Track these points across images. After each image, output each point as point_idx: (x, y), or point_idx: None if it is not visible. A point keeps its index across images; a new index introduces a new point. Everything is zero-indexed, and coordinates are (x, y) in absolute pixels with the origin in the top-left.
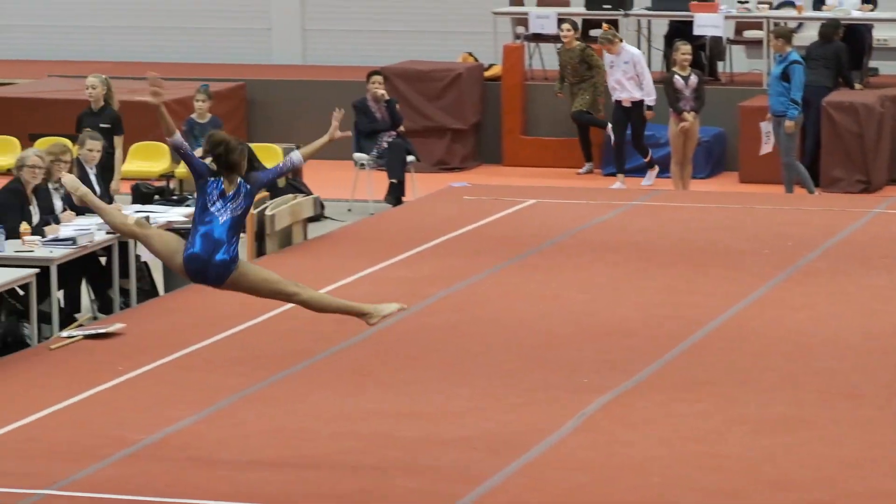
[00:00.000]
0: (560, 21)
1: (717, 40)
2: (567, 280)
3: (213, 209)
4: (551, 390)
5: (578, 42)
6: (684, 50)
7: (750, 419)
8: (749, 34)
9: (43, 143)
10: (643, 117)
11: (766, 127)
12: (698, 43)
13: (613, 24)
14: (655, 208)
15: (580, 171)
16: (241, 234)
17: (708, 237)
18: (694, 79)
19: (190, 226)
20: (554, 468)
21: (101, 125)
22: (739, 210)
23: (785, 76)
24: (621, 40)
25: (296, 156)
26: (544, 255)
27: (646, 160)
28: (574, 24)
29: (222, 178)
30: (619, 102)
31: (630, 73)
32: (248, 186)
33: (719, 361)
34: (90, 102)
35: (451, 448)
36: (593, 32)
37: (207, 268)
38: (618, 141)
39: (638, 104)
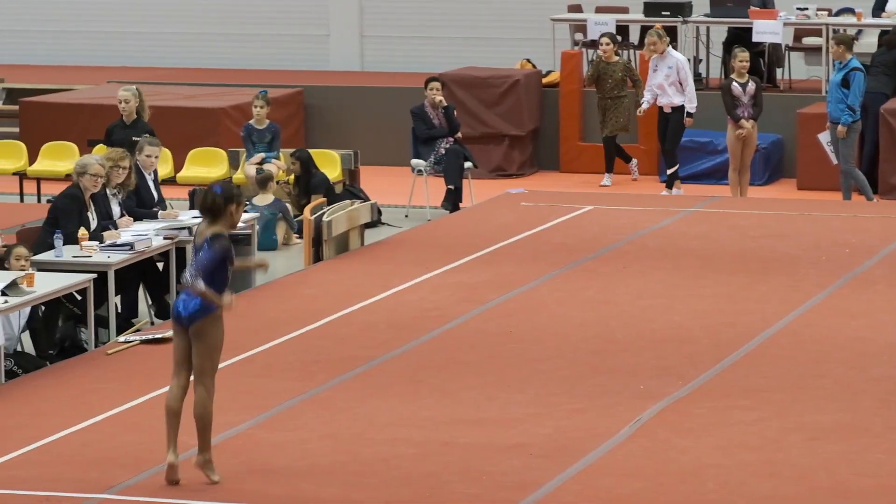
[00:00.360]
0: (600, 35)
1: (776, 47)
2: (624, 286)
3: None
4: (607, 396)
5: (619, 56)
6: (742, 57)
7: (806, 427)
8: (808, 41)
9: (101, 149)
10: (681, 123)
11: (824, 138)
12: (757, 49)
13: (672, 30)
14: (713, 215)
15: (603, 182)
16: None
17: (765, 244)
18: (752, 86)
19: (247, 232)
20: (609, 474)
21: (134, 138)
22: (797, 217)
23: (845, 83)
24: (668, 43)
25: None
26: (601, 262)
27: (669, 171)
28: (613, 38)
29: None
30: (659, 108)
31: (672, 78)
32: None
33: (776, 369)
34: (122, 115)
35: (507, 454)
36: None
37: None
38: (663, 147)
39: (677, 110)
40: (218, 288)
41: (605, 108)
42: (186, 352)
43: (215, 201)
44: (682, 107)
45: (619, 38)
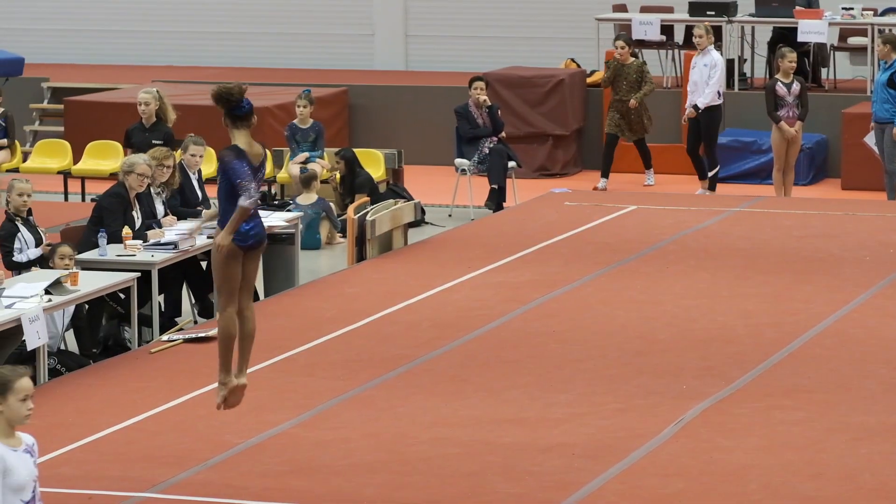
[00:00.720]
0: (615, 37)
1: (821, 47)
2: (668, 286)
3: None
4: (650, 396)
5: (635, 58)
6: (791, 58)
7: (850, 427)
8: (853, 41)
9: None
10: (715, 121)
11: (870, 140)
12: (802, 49)
13: (717, 30)
14: (757, 215)
15: (598, 185)
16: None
17: (809, 244)
18: (796, 86)
19: (291, 231)
20: (652, 474)
21: (154, 141)
22: (841, 217)
23: (891, 83)
24: (713, 42)
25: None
26: (645, 262)
27: (710, 173)
28: (628, 40)
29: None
30: (693, 106)
31: (704, 77)
32: None
33: (819, 369)
34: (141, 118)
35: (550, 454)
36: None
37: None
38: (691, 147)
39: (708, 110)
40: (232, 200)
41: (619, 109)
42: (248, 274)
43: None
44: (715, 106)
45: (631, 39)
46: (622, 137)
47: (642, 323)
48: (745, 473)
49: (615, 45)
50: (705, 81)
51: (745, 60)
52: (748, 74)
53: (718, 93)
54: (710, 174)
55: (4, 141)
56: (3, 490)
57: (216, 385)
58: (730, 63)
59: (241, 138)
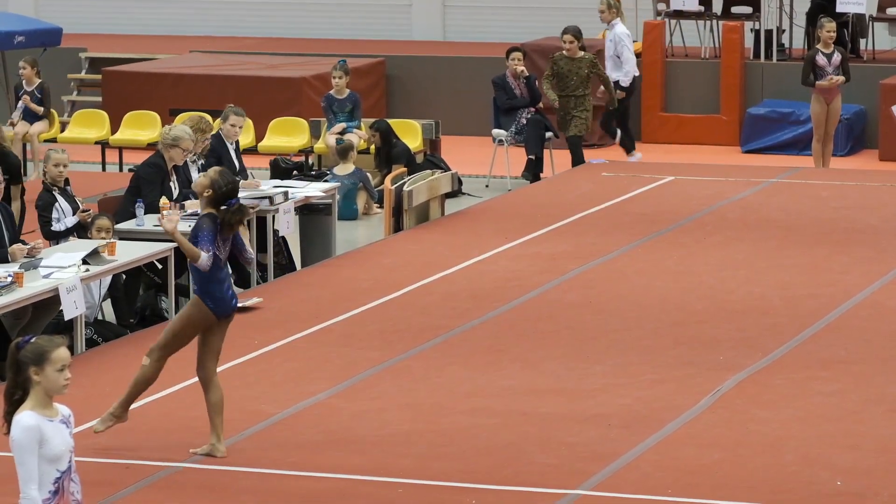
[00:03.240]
0: (563, 31)
1: (859, 17)
2: (704, 257)
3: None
4: (687, 367)
5: (584, 52)
6: (830, 27)
7: (886, 398)
8: (892, 11)
9: (183, 118)
10: (630, 92)
11: None
12: (841, 20)
13: (756, 1)
14: (795, 186)
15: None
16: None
17: (847, 215)
18: (837, 56)
19: (328, 202)
20: (688, 445)
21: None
22: (879, 188)
23: None
24: (617, 13)
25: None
26: (682, 233)
27: (615, 141)
28: (577, 33)
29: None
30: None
31: (611, 52)
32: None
33: (857, 340)
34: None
35: (586, 425)
36: (735, 10)
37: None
38: (605, 120)
39: (628, 85)
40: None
41: (567, 106)
42: (217, 343)
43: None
44: (632, 80)
45: (581, 31)
46: (563, 133)
47: (679, 294)
48: (782, 445)
49: (562, 38)
50: (610, 57)
51: (784, 31)
52: (786, 45)
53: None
54: (618, 140)
55: (41, 108)
56: (39, 460)
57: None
58: (768, 34)
59: (211, 210)
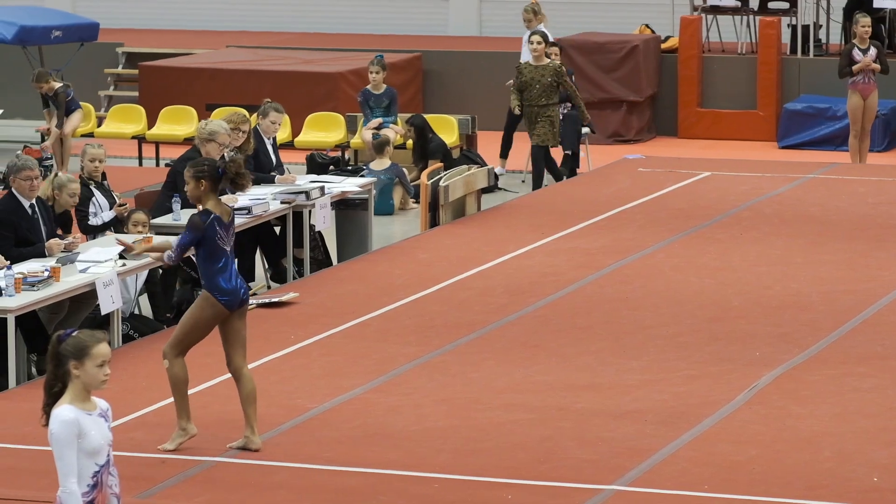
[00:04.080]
0: (531, 33)
1: None
2: (741, 253)
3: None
4: (723, 363)
5: (550, 59)
6: (864, 23)
7: None
8: None
9: (220, 114)
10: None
11: None
12: (878, 15)
13: None
14: (831, 181)
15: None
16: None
17: (884, 211)
18: (873, 51)
19: (364, 196)
20: (724, 441)
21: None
22: None
23: None
24: (542, 21)
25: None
26: (718, 228)
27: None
28: (545, 36)
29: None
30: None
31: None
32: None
33: (894, 335)
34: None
35: (623, 420)
36: (772, 5)
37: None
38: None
39: None
40: (215, 262)
41: (530, 116)
42: (235, 333)
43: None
44: None
45: (549, 36)
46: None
47: (716, 289)
48: (819, 441)
49: (530, 39)
50: None
51: (821, 27)
52: (823, 40)
53: None
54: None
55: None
56: (78, 453)
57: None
58: (805, 29)
59: (211, 201)
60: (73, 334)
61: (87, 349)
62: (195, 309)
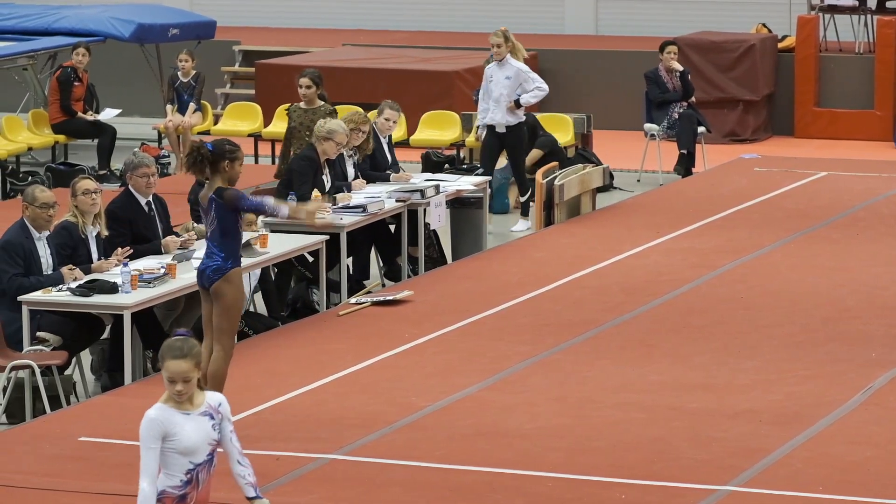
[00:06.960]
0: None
1: None
2: (857, 253)
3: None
4: (838, 364)
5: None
6: None
7: None
8: None
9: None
10: (520, 141)
11: None
12: None
13: None
14: None
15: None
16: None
17: None
18: None
19: (479, 195)
20: (839, 442)
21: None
22: None
23: None
24: (511, 48)
25: (280, 209)
26: (834, 228)
27: (523, 199)
28: (315, 78)
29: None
30: (490, 127)
31: (506, 91)
32: (221, 201)
33: None
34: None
35: (736, 420)
36: (890, 4)
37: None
38: (487, 172)
39: (513, 129)
40: (234, 238)
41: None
42: (210, 314)
43: (201, 153)
44: (517, 125)
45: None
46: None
47: (831, 289)
48: None
49: (299, 81)
50: (508, 95)
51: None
52: None
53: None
54: (522, 200)
55: (193, 107)
56: (165, 452)
57: (401, 348)
58: None
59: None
60: (176, 336)
61: (162, 359)
62: (236, 296)
